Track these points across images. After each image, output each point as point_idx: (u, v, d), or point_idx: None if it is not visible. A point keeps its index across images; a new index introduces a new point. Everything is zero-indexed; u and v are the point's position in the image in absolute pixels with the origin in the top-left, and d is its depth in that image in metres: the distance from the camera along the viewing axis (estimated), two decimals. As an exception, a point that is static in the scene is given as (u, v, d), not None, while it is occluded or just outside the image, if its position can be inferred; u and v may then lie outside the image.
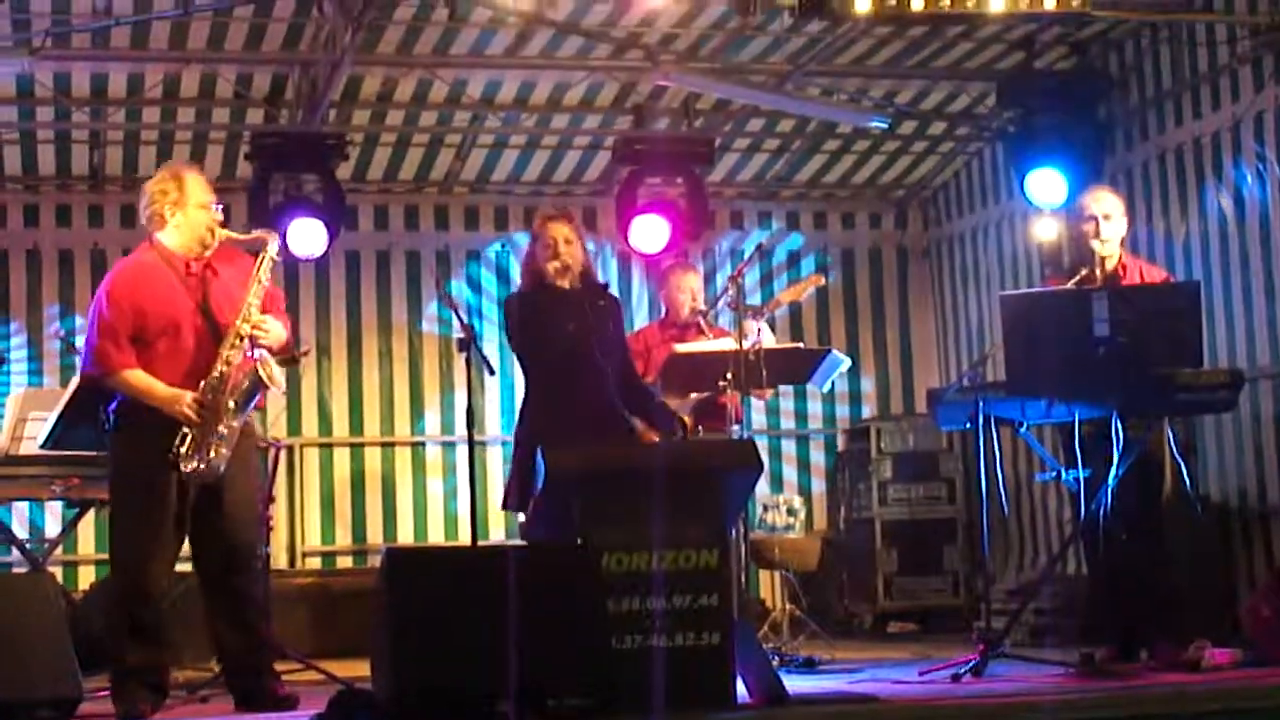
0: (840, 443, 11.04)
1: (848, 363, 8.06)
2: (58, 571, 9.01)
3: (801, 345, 9.09)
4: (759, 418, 10.44)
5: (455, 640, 5.14)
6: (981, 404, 6.52)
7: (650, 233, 9.73)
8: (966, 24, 8.56)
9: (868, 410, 11.17)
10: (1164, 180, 9.26)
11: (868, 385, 11.27)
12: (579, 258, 6.42)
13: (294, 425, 10.26)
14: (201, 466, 5.78)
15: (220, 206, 6.04)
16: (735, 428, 7.49)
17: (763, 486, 9.59)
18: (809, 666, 7.28)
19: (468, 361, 6.20)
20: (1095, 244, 6.81)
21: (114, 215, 10.18)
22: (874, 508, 10.27)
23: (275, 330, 6.00)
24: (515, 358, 6.60)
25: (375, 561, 9.15)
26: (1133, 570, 6.60)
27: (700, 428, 7.77)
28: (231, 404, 5.83)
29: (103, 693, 5.96)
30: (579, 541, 5.51)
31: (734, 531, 6.60)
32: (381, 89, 9.54)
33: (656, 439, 6.58)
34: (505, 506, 6.43)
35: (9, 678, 5.48)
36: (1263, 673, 6.08)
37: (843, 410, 11.16)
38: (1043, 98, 9.29)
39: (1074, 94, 9.31)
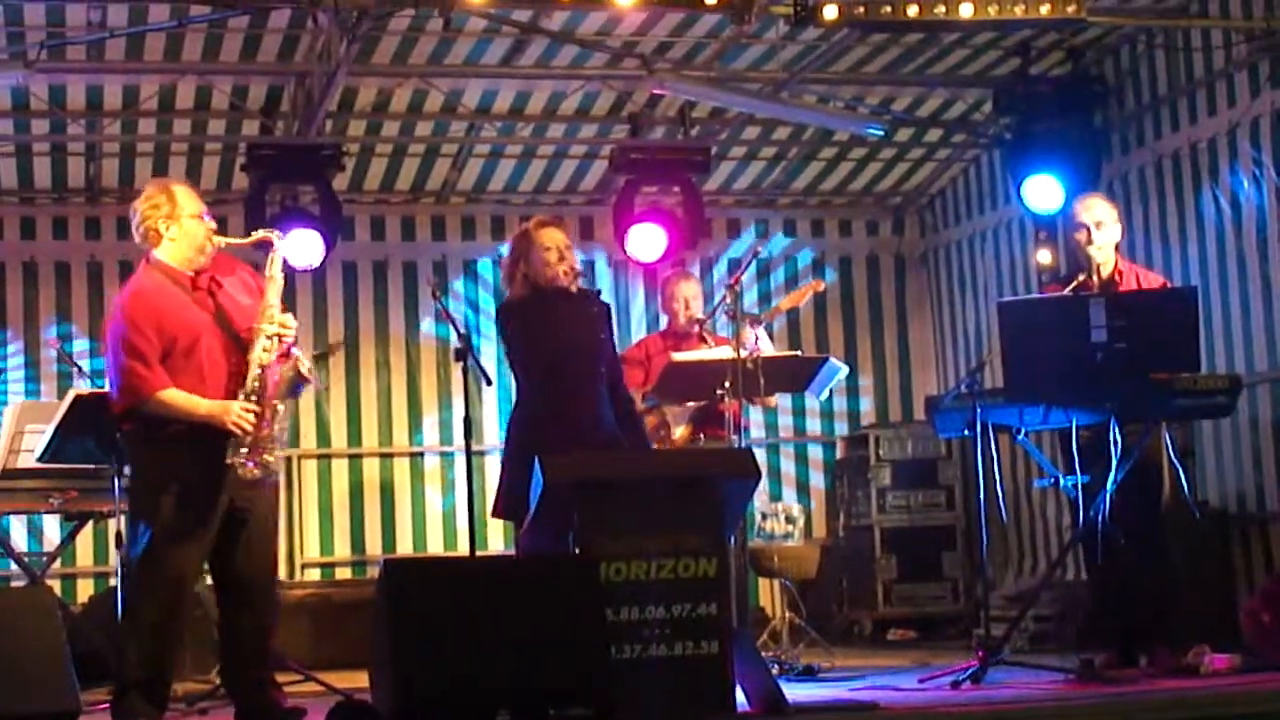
0: (839, 450, 11.04)
1: (846, 370, 8.05)
2: (56, 585, 8.99)
3: (799, 353, 9.09)
4: (757, 427, 10.44)
5: (455, 651, 5.13)
6: (980, 410, 6.51)
7: (647, 241, 9.76)
8: (947, 30, 8.55)
9: (866, 418, 11.16)
10: (1160, 186, 9.27)
11: (866, 393, 11.26)
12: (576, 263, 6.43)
13: (292, 437, 10.18)
14: (259, 471, 5.75)
15: (210, 218, 6.00)
16: (735, 436, 7.47)
17: (761, 494, 9.57)
18: (809, 674, 7.28)
19: (465, 372, 6.19)
20: (1091, 250, 6.81)
21: (111, 227, 10.12)
22: (873, 515, 10.27)
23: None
24: (509, 365, 6.51)
25: (374, 572, 9.18)
26: (1132, 576, 6.58)
27: (701, 436, 7.77)
28: (279, 405, 5.82)
29: (101, 706, 5.93)
30: (577, 551, 5.51)
31: (733, 540, 6.58)
32: (377, 99, 9.55)
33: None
34: (495, 514, 6.41)
35: (7, 691, 5.45)
36: (1262, 678, 6.09)
37: (841, 418, 11.15)
38: (1039, 104, 9.31)
39: (1070, 100, 9.32)
